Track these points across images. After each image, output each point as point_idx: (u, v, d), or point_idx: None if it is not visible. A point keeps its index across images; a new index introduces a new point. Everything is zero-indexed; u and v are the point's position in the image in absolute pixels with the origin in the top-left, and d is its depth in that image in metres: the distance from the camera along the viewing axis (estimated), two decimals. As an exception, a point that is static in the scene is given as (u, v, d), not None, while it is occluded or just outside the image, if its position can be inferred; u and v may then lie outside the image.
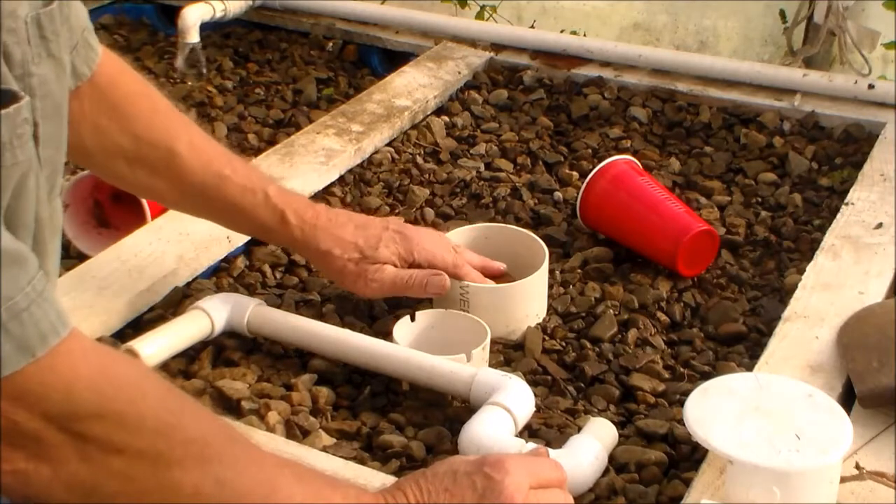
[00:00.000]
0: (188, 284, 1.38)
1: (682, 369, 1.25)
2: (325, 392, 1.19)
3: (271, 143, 1.76)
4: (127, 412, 0.78)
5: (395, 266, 1.27)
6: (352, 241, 1.26)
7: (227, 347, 1.28)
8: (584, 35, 2.34)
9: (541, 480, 0.94)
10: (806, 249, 1.45)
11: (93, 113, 1.15)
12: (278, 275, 1.43)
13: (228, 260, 1.44)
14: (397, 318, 1.27)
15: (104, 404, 0.77)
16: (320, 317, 1.32)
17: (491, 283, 1.31)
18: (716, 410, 1.00)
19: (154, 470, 0.79)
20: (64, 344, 0.75)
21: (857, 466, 1.04)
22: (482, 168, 1.68)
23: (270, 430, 1.13)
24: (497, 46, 2.01)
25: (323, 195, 1.59)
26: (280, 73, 2.02)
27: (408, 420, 1.17)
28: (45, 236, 0.87)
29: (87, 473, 0.77)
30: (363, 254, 1.25)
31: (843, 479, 1.01)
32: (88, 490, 0.77)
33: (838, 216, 1.46)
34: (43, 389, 0.74)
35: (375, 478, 1.04)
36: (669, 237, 1.40)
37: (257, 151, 1.72)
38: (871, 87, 1.78)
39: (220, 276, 1.41)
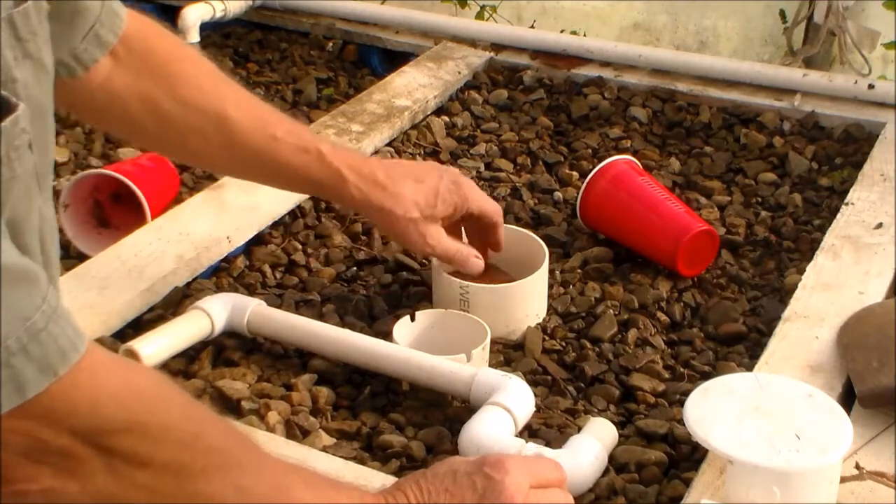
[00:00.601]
0: (188, 284, 1.38)
1: (682, 369, 1.25)
2: (325, 392, 1.19)
3: (271, 143, 1.75)
4: (152, 424, 0.78)
5: (452, 215, 1.27)
6: (412, 198, 1.24)
7: (227, 347, 1.28)
8: (584, 35, 2.34)
9: (541, 480, 0.94)
10: (806, 249, 1.45)
11: (137, 82, 1.13)
12: (278, 275, 1.43)
13: (228, 260, 1.44)
14: (397, 318, 1.27)
15: (130, 417, 0.77)
16: (320, 317, 1.32)
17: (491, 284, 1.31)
18: (716, 410, 1.00)
19: (178, 481, 0.79)
20: (85, 359, 0.74)
21: (857, 466, 1.04)
22: (482, 168, 1.68)
23: (270, 430, 1.13)
24: (497, 46, 2.01)
25: (323, 195, 1.59)
26: (280, 73, 2.02)
27: (408, 420, 1.17)
28: (48, 244, 0.86)
29: (114, 487, 0.76)
30: (423, 213, 1.24)
31: (843, 479, 1.01)
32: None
33: (838, 216, 1.46)
34: (69, 406, 0.73)
35: (375, 478, 1.04)
36: (669, 237, 1.40)
37: (257, 151, 1.72)
38: (871, 87, 1.78)
39: (220, 276, 1.41)
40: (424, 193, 1.25)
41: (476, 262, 1.28)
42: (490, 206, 1.31)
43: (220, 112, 1.19)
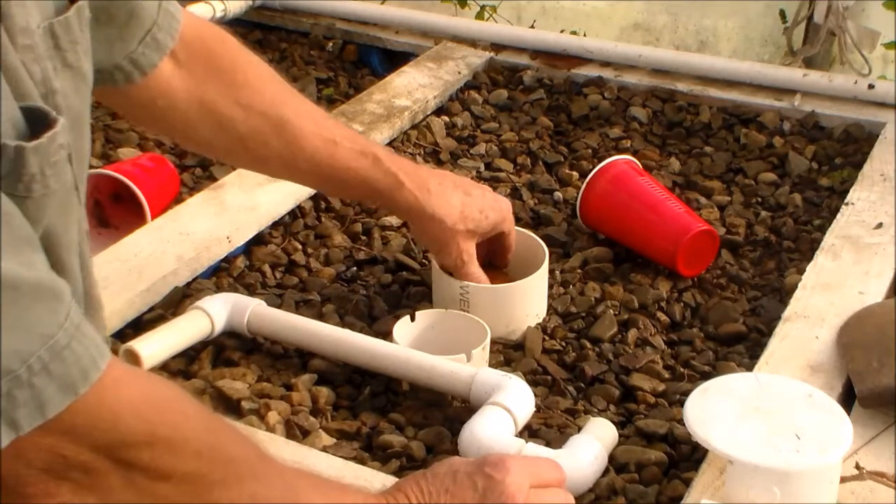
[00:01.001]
0: (188, 284, 1.38)
1: (682, 369, 1.25)
2: (325, 392, 1.19)
3: (271, 143, 1.75)
4: (173, 437, 0.78)
5: (488, 233, 1.30)
6: (461, 210, 1.26)
7: (227, 347, 1.28)
8: (584, 35, 2.34)
9: (541, 480, 0.94)
10: (806, 249, 1.45)
11: (198, 87, 1.13)
12: (278, 275, 1.43)
13: (228, 260, 1.44)
14: (397, 318, 1.26)
15: (150, 430, 0.76)
16: (320, 317, 1.32)
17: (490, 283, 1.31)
18: (716, 410, 1.00)
19: (197, 492, 0.79)
20: (106, 374, 0.73)
21: (857, 466, 1.04)
22: (482, 168, 1.68)
23: (270, 430, 1.13)
24: (497, 46, 2.01)
25: (323, 195, 1.59)
26: (280, 73, 2.01)
27: (408, 420, 1.17)
28: (85, 257, 0.86)
29: (134, 501, 0.76)
30: (467, 226, 1.26)
31: (843, 479, 1.01)
32: None
33: (838, 216, 1.46)
34: (90, 421, 0.73)
35: (375, 478, 1.04)
36: (669, 237, 1.40)
37: (257, 151, 1.72)
38: (871, 87, 1.78)
39: (220, 276, 1.41)
40: (472, 208, 1.27)
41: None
42: (514, 233, 1.34)
43: (281, 116, 1.18)
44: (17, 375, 0.67)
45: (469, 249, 1.28)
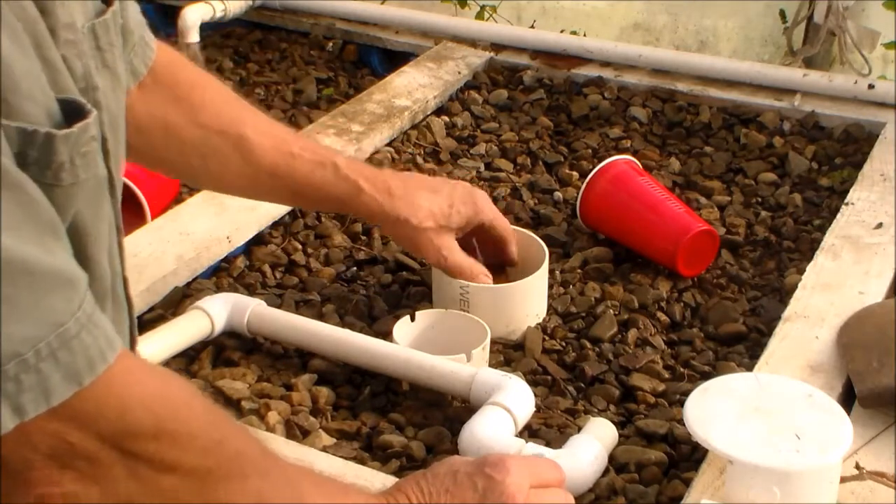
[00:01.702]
0: (188, 284, 1.38)
1: (682, 369, 1.25)
2: (325, 392, 1.19)
3: (271, 143, 1.75)
4: (180, 431, 0.78)
5: (465, 227, 1.30)
6: (427, 208, 1.26)
7: (227, 347, 1.28)
8: (584, 35, 2.34)
9: (541, 480, 0.94)
10: (806, 249, 1.45)
11: (161, 112, 1.14)
12: (278, 275, 1.43)
13: (228, 260, 1.44)
14: (397, 318, 1.27)
15: (157, 423, 0.76)
16: (320, 317, 1.32)
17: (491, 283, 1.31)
18: (716, 410, 1.00)
19: (202, 486, 0.79)
20: (116, 364, 0.73)
21: (857, 466, 1.04)
22: (482, 168, 1.68)
23: (270, 430, 1.13)
24: (497, 46, 2.01)
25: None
26: (280, 73, 2.02)
27: (408, 420, 1.17)
28: (115, 256, 0.86)
29: (137, 493, 0.76)
30: (437, 223, 1.26)
31: (843, 479, 1.01)
32: None
33: (838, 216, 1.46)
34: (98, 410, 0.73)
35: (375, 478, 1.04)
36: (669, 237, 1.40)
37: (257, 151, 1.72)
38: (871, 87, 1.78)
39: (220, 276, 1.41)
40: (439, 204, 1.27)
41: (486, 279, 1.29)
42: (502, 222, 1.33)
43: (240, 135, 1.19)
44: (25, 359, 0.67)
45: (446, 244, 1.28)
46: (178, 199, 1.59)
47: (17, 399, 0.68)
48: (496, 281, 1.32)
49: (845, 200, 1.49)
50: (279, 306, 1.32)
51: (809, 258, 1.38)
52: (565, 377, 1.24)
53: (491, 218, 1.32)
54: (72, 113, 0.73)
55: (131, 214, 1.53)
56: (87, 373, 0.71)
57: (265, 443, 0.87)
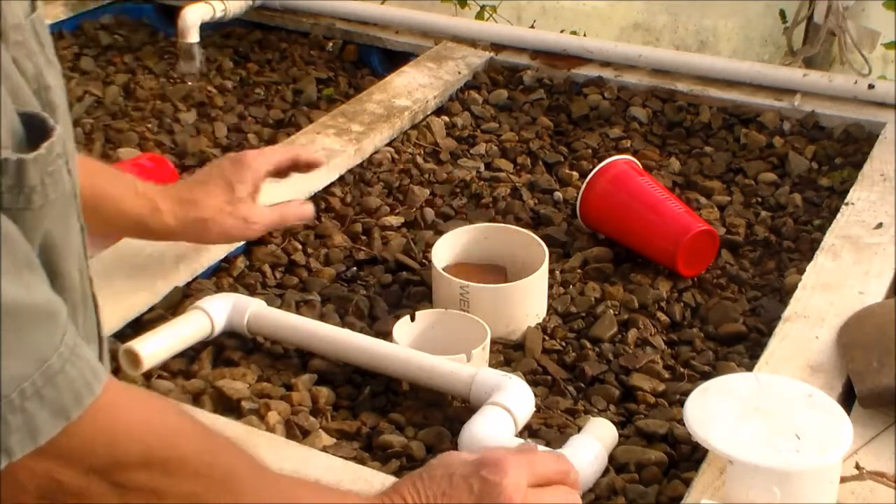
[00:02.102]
0: (188, 284, 1.38)
1: (682, 369, 1.25)
2: (325, 392, 1.19)
3: (271, 143, 1.76)
4: (170, 457, 0.77)
5: (257, 187, 1.34)
6: (207, 199, 1.29)
7: (227, 347, 1.28)
8: (584, 35, 2.34)
9: (539, 478, 0.93)
10: (806, 249, 1.45)
11: None
12: (278, 275, 1.43)
13: (228, 260, 1.44)
14: (397, 318, 1.27)
15: (148, 452, 0.76)
16: (320, 317, 1.32)
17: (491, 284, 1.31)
18: (716, 410, 1.00)
19: None
20: (102, 397, 0.72)
21: (857, 466, 1.04)
22: (482, 168, 1.68)
23: (270, 430, 1.13)
24: (497, 46, 2.01)
25: (323, 195, 1.59)
26: (280, 73, 2.02)
27: (408, 420, 1.17)
28: (84, 257, 0.85)
29: None
30: (228, 202, 1.30)
31: (843, 479, 1.01)
32: None
33: (838, 216, 1.46)
34: (86, 445, 0.72)
35: (375, 478, 1.04)
36: (669, 237, 1.40)
37: (257, 151, 1.72)
38: (871, 87, 1.78)
39: (220, 276, 1.41)
40: (215, 186, 1.30)
41: (305, 206, 1.38)
42: (277, 153, 1.39)
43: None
44: (11, 400, 0.66)
45: (250, 213, 1.32)
46: (178, 199, 1.59)
47: (5, 441, 0.66)
48: (496, 281, 1.32)
49: (845, 200, 1.49)
50: (279, 306, 1.32)
51: (809, 258, 1.38)
52: (565, 377, 1.24)
53: (269, 159, 1.36)
54: (32, 128, 0.71)
55: (131, 214, 1.52)
56: (75, 407, 0.70)
57: (256, 457, 0.86)
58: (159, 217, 1.26)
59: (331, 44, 2.10)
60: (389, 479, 1.03)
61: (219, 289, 1.36)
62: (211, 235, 1.32)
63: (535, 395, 1.15)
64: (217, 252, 1.42)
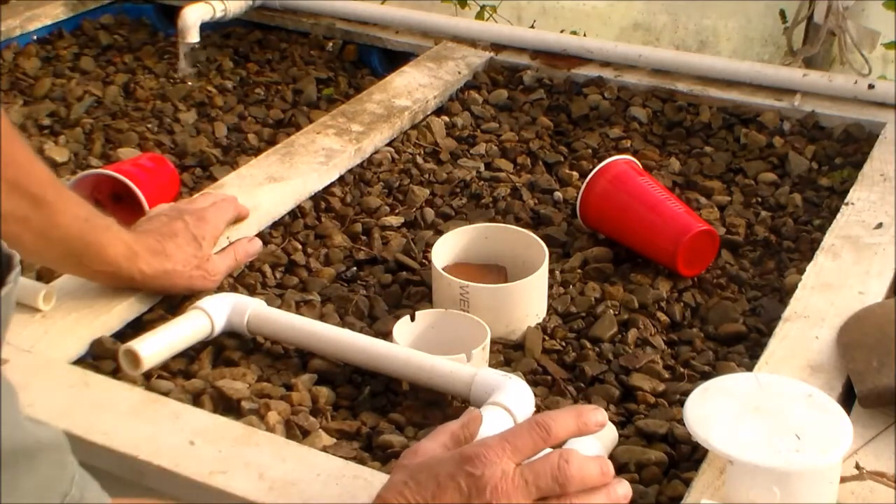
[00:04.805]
0: (188, 284, 1.38)
1: (682, 369, 1.25)
2: (325, 392, 1.19)
3: (271, 143, 1.76)
4: None
5: (217, 235, 1.37)
6: (179, 255, 1.30)
7: (227, 347, 1.28)
8: (584, 35, 2.34)
9: (522, 451, 0.90)
10: (806, 249, 1.45)
11: None
12: (278, 275, 1.43)
13: (228, 260, 1.44)
14: (397, 318, 1.27)
15: None
16: (320, 317, 1.32)
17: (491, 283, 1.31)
18: (716, 410, 1.00)
19: None
20: None
21: (857, 466, 1.04)
22: (482, 168, 1.68)
23: (270, 430, 1.13)
24: (497, 46, 2.01)
25: (323, 195, 1.59)
26: (280, 73, 2.02)
27: (408, 420, 1.17)
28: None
29: None
30: (197, 261, 1.32)
31: (843, 479, 1.01)
32: None
33: (838, 216, 1.46)
34: None
35: (375, 478, 1.04)
36: (669, 237, 1.40)
37: (257, 151, 1.72)
38: (871, 87, 1.78)
39: (220, 276, 1.41)
40: (184, 241, 1.31)
41: (252, 243, 1.42)
42: (229, 209, 1.43)
43: (36, 196, 1.16)
44: None
45: (210, 269, 1.34)
46: (178, 199, 1.59)
47: None
48: (496, 281, 1.32)
49: (845, 200, 1.49)
50: (279, 306, 1.32)
51: (809, 258, 1.38)
52: (565, 377, 1.24)
53: (224, 217, 1.41)
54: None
55: (131, 214, 1.52)
56: None
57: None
58: (136, 264, 1.27)
59: (331, 44, 2.10)
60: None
61: (219, 289, 1.36)
62: (177, 287, 1.32)
63: (535, 395, 1.15)
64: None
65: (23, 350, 1.21)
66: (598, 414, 0.95)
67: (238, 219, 1.46)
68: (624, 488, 0.92)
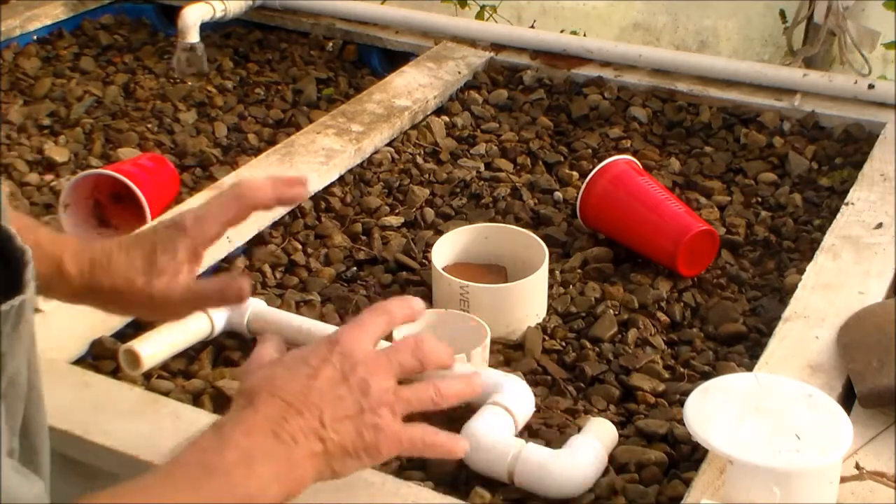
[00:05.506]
0: (188, 284, 1.38)
1: (682, 369, 1.25)
2: (325, 392, 1.19)
3: (271, 143, 1.76)
4: None
5: (188, 265, 1.04)
6: (133, 263, 1.03)
7: (227, 347, 1.28)
8: (584, 35, 2.34)
9: (376, 333, 0.92)
10: (806, 249, 1.45)
11: None
12: (278, 275, 1.43)
13: (228, 260, 1.44)
14: (397, 318, 1.26)
15: None
16: (320, 317, 1.32)
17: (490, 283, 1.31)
18: (716, 410, 1.00)
19: None
20: None
21: (857, 466, 1.04)
22: (482, 168, 1.68)
23: (270, 430, 1.12)
24: (497, 46, 2.01)
25: (323, 195, 1.59)
26: (280, 73, 2.02)
27: (407, 420, 1.17)
28: (34, 342, 0.77)
29: None
30: (148, 273, 1.02)
31: (843, 479, 1.01)
32: None
33: (838, 216, 1.46)
34: None
35: (375, 478, 1.04)
36: (669, 237, 1.40)
37: (257, 151, 1.72)
38: (871, 87, 1.78)
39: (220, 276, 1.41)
40: (137, 252, 1.04)
41: (235, 288, 1.03)
42: (228, 206, 1.06)
43: None
44: None
45: (165, 295, 1.03)
46: (178, 199, 1.59)
47: None
48: (495, 281, 1.32)
49: (845, 200, 1.49)
50: (279, 306, 1.32)
51: (809, 258, 1.38)
52: (565, 377, 1.24)
53: (216, 219, 1.05)
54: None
55: (131, 214, 1.53)
56: None
57: None
58: (62, 278, 1.03)
59: (331, 44, 2.10)
60: (389, 479, 1.03)
61: (219, 289, 1.36)
62: (119, 307, 1.07)
63: (535, 395, 1.15)
64: (217, 252, 1.42)
65: (23, 350, 1.20)
66: (413, 303, 0.97)
67: (283, 200, 1.08)
68: (479, 379, 0.98)
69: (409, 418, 0.91)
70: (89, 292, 1.04)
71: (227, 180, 1.56)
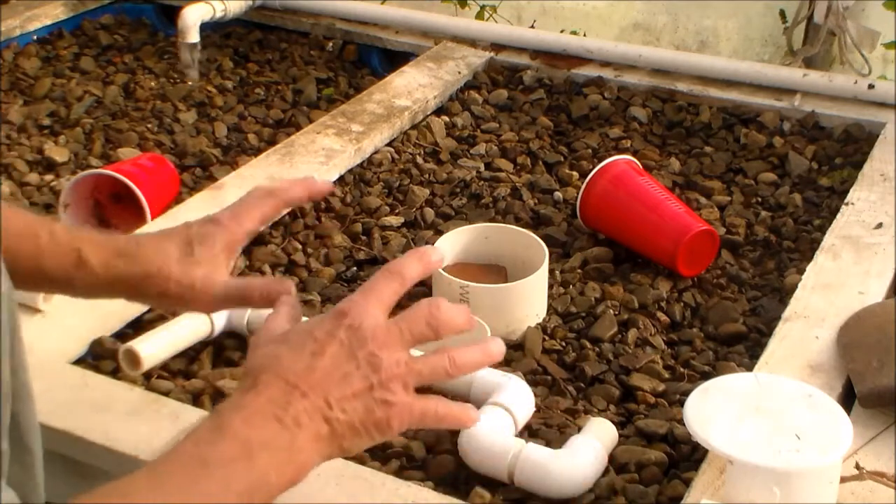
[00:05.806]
0: (188, 284, 1.38)
1: (682, 369, 1.25)
2: (325, 392, 1.19)
3: (271, 143, 1.76)
4: None
5: (223, 253, 1.06)
6: (167, 252, 1.04)
7: (227, 347, 1.28)
8: (584, 35, 2.34)
9: (386, 300, 0.90)
10: (806, 249, 1.45)
11: None
12: (278, 275, 1.43)
13: (228, 260, 1.44)
14: (397, 318, 1.26)
15: None
16: (320, 317, 1.32)
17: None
18: (716, 410, 1.00)
19: None
20: None
21: (857, 466, 1.04)
22: (482, 168, 1.68)
23: (270, 430, 1.12)
24: (497, 46, 2.01)
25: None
26: (280, 73, 2.02)
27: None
28: (18, 334, 0.77)
29: None
30: (184, 263, 1.03)
31: (843, 479, 1.01)
32: None
33: (838, 216, 1.46)
34: None
35: (375, 478, 1.04)
36: (669, 237, 1.40)
37: (257, 151, 1.72)
38: (871, 87, 1.78)
39: (220, 276, 1.41)
40: (169, 243, 1.05)
41: (284, 292, 1.00)
42: (261, 205, 1.09)
43: None
44: None
45: (207, 289, 1.04)
46: (178, 199, 1.59)
47: None
48: (495, 281, 1.32)
49: (845, 200, 1.49)
50: (279, 306, 1.32)
51: (809, 258, 1.38)
52: (565, 377, 1.24)
53: (250, 216, 1.08)
54: None
55: (131, 214, 1.53)
56: None
57: None
58: (83, 270, 1.02)
59: (331, 44, 2.10)
60: (389, 479, 1.03)
61: (219, 289, 1.36)
62: (148, 296, 1.06)
63: (535, 395, 1.15)
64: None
65: (23, 350, 1.20)
66: (425, 253, 0.94)
67: (311, 197, 1.14)
68: (497, 346, 0.95)
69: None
70: (114, 282, 1.04)
71: (228, 180, 1.56)
